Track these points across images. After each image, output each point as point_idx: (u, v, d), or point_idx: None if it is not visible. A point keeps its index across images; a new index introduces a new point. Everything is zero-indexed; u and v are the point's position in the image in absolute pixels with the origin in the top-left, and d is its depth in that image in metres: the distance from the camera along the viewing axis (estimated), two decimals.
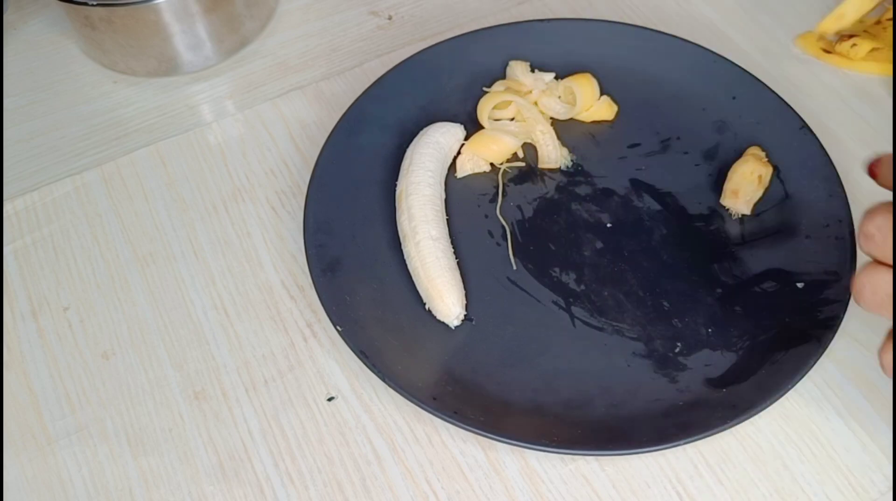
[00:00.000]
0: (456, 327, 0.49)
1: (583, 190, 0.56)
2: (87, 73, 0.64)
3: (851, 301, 0.49)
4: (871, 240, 0.40)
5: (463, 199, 0.55)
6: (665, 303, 0.51)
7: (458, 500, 0.45)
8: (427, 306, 0.50)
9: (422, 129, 0.58)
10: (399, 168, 0.56)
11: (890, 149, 0.58)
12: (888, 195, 0.40)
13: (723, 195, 0.54)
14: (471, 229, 0.54)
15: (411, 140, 0.57)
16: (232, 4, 0.62)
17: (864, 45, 0.61)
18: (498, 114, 0.58)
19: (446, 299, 0.48)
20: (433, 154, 0.54)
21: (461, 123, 0.57)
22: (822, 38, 0.62)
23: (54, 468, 0.47)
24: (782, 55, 0.63)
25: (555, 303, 0.51)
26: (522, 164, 0.57)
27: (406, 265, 0.52)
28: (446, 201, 0.55)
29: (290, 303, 0.52)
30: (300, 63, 0.65)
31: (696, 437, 0.44)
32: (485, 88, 0.59)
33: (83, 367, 0.50)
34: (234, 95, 0.63)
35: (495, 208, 0.55)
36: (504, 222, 0.54)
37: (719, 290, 0.51)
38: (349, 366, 0.50)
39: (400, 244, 0.53)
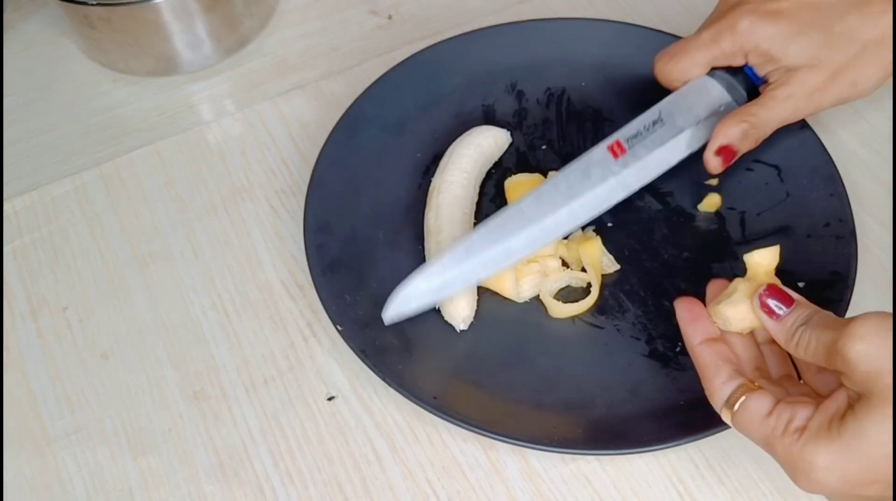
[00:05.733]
0: (461, 330, 0.49)
1: None
2: (86, 72, 0.64)
3: (853, 301, 0.49)
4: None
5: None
6: (666, 303, 0.51)
7: (458, 500, 0.45)
8: (437, 306, 0.50)
9: (422, 129, 0.58)
10: (401, 167, 0.56)
11: (890, 148, 0.58)
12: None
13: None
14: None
15: (411, 140, 0.57)
16: (231, 3, 0.62)
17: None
18: None
19: (457, 301, 0.48)
20: (472, 156, 0.54)
21: (462, 123, 0.57)
22: None
23: (53, 468, 0.47)
24: None
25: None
26: None
27: (407, 264, 0.52)
28: None
29: (290, 303, 0.52)
30: (300, 62, 0.64)
31: (696, 436, 0.44)
32: None
33: (82, 367, 0.50)
34: (234, 95, 0.63)
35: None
36: None
37: None
38: (349, 366, 0.49)
39: (401, 244, 0.53)
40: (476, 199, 0.54)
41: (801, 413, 0.37)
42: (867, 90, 0.51)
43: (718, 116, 0.52)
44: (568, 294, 0.51)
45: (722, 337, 0.43)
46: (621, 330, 0.50)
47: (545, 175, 0.55)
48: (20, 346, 0.51)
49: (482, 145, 0.55)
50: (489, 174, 0.56)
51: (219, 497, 0.45)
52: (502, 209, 0.48)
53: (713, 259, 0.52)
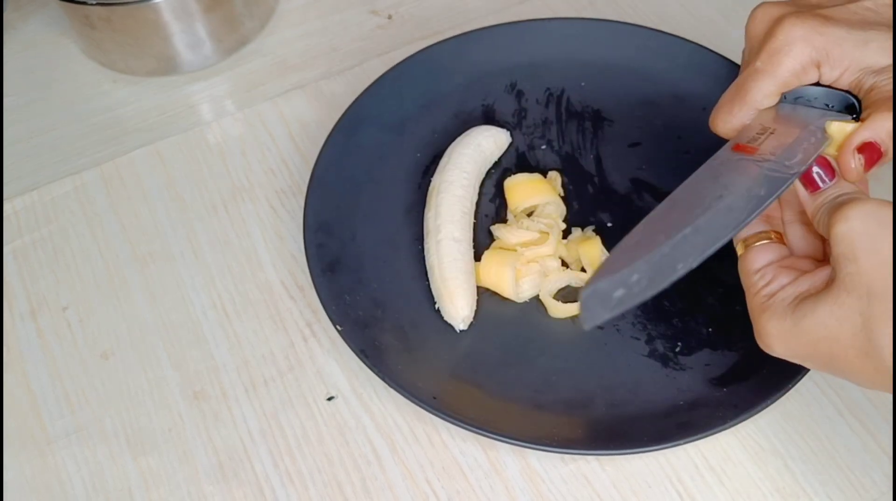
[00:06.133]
0: (461, 330, 0.49)
1: (584, 190, 0.56)
2: (86, 72, 0.64)
3: None
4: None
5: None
6: (665, 302, 0.51)
7: (458, 500, 0.45)
8: (436, 306, 0.50)
9: (422, 128, 0.58)
10: (401, 167, 0.56)
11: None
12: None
13: None
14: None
15: (411, 140, 0.58)
16: (231, 3, 0.62)
17: None
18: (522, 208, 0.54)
19: (456, 301, 0.48)
20: (472, 156, 0.54)
21: (462, 123, 0.57)
22: None
23: (53, 468, 0.47)
24: None
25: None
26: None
27: (406, 264, 0.52)
28: None
29: (290, 303, 0.52)
30: (300, 62, 0.64)
31: (696, 437, 0.44)
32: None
33: (82, 367, 0.50)
34: (234, 95, 0.63)
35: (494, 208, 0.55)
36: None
37: (720, 289, 0.51)
38: (349, 366, 0.49)
39: (401, 244, 0.53)
40: (476, 199, 0.54)
41: (780, 280, 0.39)
42: None
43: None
44: (568, 294, 0.51)
45: None
46: (621, 330, 0.50)
47: (545, 175, 0.55)
48: (20, 346, 0.51)
49: (482, 145, 0.55)
50: (489, 174, 0.56)
51: (218, 498, 0.45)
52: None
53: (713, 260, 0.52)
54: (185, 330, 0.51)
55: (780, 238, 0.42)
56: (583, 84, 0.60)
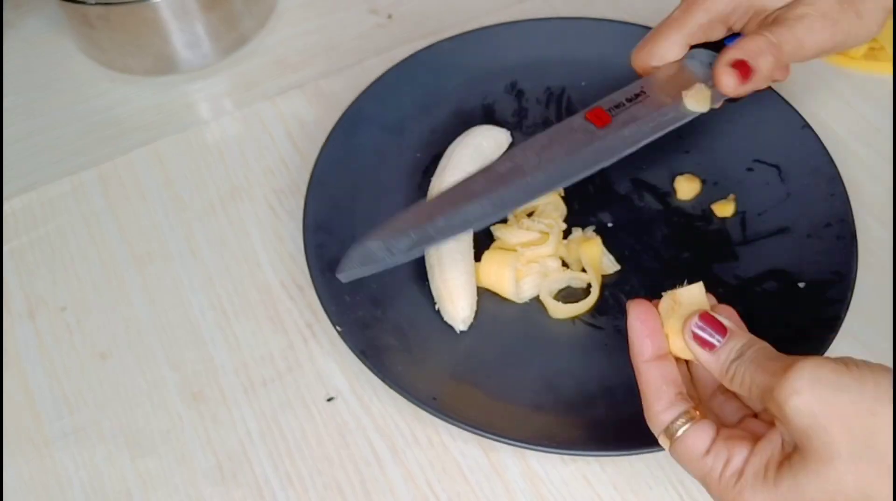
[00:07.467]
0: (461, 331, 0.49)
1: (584, 190, 0.55)
2: (84, 71, 0.64)
3: (853, 301, 0.48)
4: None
5: None
6: None
7: None
8: (437, 306, 0.49)
9: (422, 128, 0.57)
10: (401, 167, 0.56)
11: (890, 148, 0.58)
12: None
13: None
14: None
15: (411, 140, 0.57)
16: (230, 2, 0.62)
17: (864, 44, 0.61)
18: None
19: (456, 302, 0.48)
20: (472, 156, 0.53)
21: (462, 123, 0.57)
22: None
23: (51, 469, 0.47)
24: None
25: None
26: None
27: (406, 264, 0.52)
28: None
29: (289, 303, 0.52)
30: (299, 61, 0.64)
31: None
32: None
33: (80, 368, 0.50)
34: (233, 94, 0.62)
35: None
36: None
37: (720, 290, 0.51)
38: (349, 367, 0.49)
39: None
40: None
41: (738, 455, 0.37)
42: (871, 26, 0.46)
43: None
44: (568, 295, 0.51)
45: (670, 355, 0.40)
46: (621, 331, 0.50)
47: None
48: (18, 346, 0.51)
49: (482, 145, 0.55)
50: None
51: (217, 500, 0.45)
52: (474, 173, 0.47)
53: (714, 260, 0.52)
54: (183, 331, 0.51)
55: (701, 414, 0.39)
56: (583, 84, 0.60)
